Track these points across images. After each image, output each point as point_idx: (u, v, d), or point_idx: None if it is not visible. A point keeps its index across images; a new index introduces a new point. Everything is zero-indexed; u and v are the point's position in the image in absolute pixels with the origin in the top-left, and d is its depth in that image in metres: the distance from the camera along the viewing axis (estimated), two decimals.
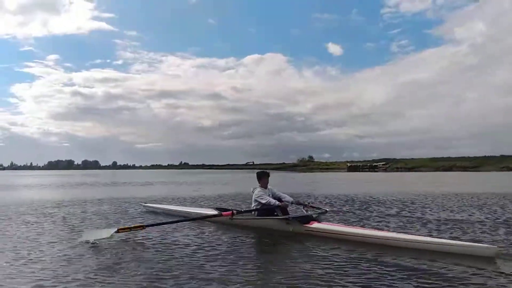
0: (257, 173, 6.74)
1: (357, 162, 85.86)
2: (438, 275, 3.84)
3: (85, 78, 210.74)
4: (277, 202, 6.23)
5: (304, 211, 6.46)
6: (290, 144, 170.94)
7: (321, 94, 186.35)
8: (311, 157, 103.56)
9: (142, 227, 5.25)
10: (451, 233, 6.12)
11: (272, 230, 6.02)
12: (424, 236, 5.54)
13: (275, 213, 6.16)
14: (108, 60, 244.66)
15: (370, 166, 76.13)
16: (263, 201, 6.20)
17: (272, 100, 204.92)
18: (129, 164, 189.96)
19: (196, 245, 5.20)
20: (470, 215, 8.36)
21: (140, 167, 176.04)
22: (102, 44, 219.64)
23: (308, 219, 5.95)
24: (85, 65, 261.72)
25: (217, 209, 7.21)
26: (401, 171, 67.96)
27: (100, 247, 4.96)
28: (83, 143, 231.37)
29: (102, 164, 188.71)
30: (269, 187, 6.61)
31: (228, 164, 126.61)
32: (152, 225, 5.69)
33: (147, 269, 4.05)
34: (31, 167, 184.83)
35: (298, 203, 6.65)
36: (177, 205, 9.57)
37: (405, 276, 3.78)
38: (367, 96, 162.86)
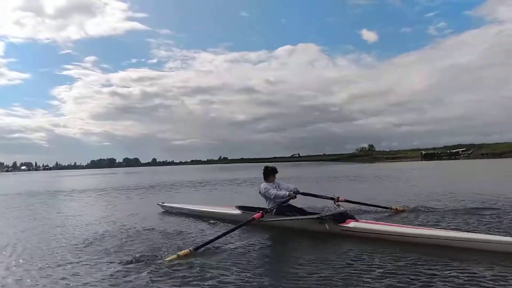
0: (264, 169, 6.24)
1: (431, 149, 74.14)
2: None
3: (122, 78, 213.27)
4: (286, 193, 5.74)
5: (335, 206, 5.87)
6: (326, 135, 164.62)
7: (356, 83, 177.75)
8: (371, 146, 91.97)
9: (189, 251, 4.42)
10: None
11: (303, 230, 5.45)
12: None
13: (297, 212, 5.76)
14: (143, 59, 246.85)
15: (449, 154, 64.42)
16: (271, 195, 5.81)
17: (306, 91, 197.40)
18: (168, 161, 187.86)
19: (222, 250, 4.74)
20: None
21: (180, 163, 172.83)
22: (137, 43, 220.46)
23: (344, 217, 5.30)
24: (122, 65, 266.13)
25: (238, 207, 6.62)
26: (488, 157, 56.28)
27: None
28: (122, 141, 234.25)
29: (143, 161, 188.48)
30: (276, 180, 6.23)
31: (275, 157, 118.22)
32: (199, 247, 4.63)
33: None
34: (75, 167, 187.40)
35: (305, 194, 6.23)
36: (194, 204, 8.36)
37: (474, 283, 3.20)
38: (404, 83, 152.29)
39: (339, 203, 6.00)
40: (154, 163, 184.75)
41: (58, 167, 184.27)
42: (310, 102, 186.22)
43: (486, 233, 4.70)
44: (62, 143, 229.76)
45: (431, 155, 65.92)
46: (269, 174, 6.19)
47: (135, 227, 6.64)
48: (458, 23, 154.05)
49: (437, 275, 3.47)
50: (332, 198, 6.16)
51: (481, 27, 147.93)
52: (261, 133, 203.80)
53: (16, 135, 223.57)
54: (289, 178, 21.74)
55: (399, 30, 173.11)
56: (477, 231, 4.96)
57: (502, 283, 3.23)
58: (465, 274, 3.45)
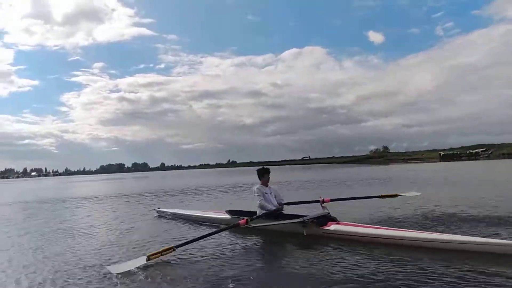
0: (258, 170, 6.51)
1: (448, 149, 71.46)
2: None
3: (130, 84, 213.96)
4: (272, 208, 5.96)
5: (321, 207, 5.99)
6: (334, 138, 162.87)
7: (363, 84, 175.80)
8: (386, 148, 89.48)
9: (172, 249, 4.59)
10: None
11: (286, 234, 5.60)
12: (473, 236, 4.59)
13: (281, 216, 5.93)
14: (151, 65, 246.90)
15: (469, 154, 61.71)
16: (257, 202, 6.05)
17: (312, 94, 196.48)
18: (176, 165, 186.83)
19: (214, 255, 4.78)
20: None
21: (189, 167, 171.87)
22: (144, 49, 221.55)
23: (326, 219, 5.43)
24: (129, 70, 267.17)
25: (228, 212, 6.90)
26: (510, 157, 53.58)
27: (127, 278, 4.06)
28: (131, 146, 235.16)
29: (151, 166, 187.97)
30: (270, 185, 6.37)
31: (285, 160, 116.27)
32: (181, 245, 4.88)
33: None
34: (84, 172, 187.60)
35: (291, 203, 6.60)
36: (188, 209, 8.73)
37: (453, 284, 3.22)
38: (412, 84, 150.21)
39: (325, 204, 6.05)
40: (162, 167, 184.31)
41: (67, 172, 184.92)
42: (317, 104, 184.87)
43: (469, 235, 4.65)
44: (71, 148, 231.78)
45: (450, 155, 63.41)
46: (263, 174, 6.34)
47: (128, 230, 7.09)
48: (465, 22, 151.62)
49: (417, 277, 3.44)
50: (317, 201, 6.24)
51: (489, 27, 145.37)
52: (269, 136, 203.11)
53: (26, 141, 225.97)
54: (308, 182, 19.77)
55: (406, 31, 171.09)
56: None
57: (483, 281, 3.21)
58: (448, 276, 3.41)
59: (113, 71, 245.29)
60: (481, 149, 63.28)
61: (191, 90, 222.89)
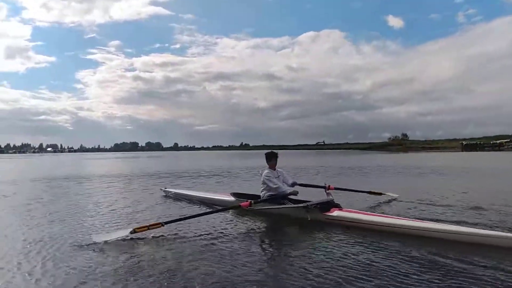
0: (266, 153, 6.49)
1: (469, 139, 69.36)
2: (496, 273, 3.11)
3: (145, 63, 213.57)
4: (288, 190, 5.96)
5: (325, 193, 5.93)
6: (348, 124, 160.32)
7: (380, 70, 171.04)
8: (405, 135, 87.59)
9: (161, 224, 4.69)
10: None
11: (289, 217, 5.60)
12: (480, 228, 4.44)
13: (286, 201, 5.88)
14: (166, 44, 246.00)
15: (493, 145, 59.66)
16: (273, 186, 5.94)
17: (328, 78, 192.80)
18: (189, 146, 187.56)
19: (209, 235, 4.76)
20: None
21: (202, 148, 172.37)
22: (160, 28, 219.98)
23: (329, 205, 5.46)
24: (145, 50, 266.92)
25: (233, 194, 6.92)
26: None
27: (110, 248, 4.22)
28: (145, 125, 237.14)
29: (165, 146, 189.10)
30: (278, 169, 6.38)
31: (299, 145, 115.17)
32: (171, 221, 4.88)
33: (164, 264, 3.59)
34: (98, 149, 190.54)
35: (302, 185, 6.63)
36: (195, 190, 8.97)
37: (451, 273, 3.18)
38: (430, 71, 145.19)
39: (330, 191, 6.09)
40: (176, 147, 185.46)
41: (82, 149, 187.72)
42: (333, 89, 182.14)
43: (469, 227, 4.51)
44: (86, 126, 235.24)
45: (472, 145, 61.31)
46: (271, 157, 6.33)
47: (130, 207, 7.22)
48: (488, 9, 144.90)
49: (417, 265, 3.40)
50: (323, 187, 6.29)
51: None
52: (283, 120, 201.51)
53: (42, 117, 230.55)
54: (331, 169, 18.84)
55: (427, 17, 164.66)
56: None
57: (481, 274, 3.14)
58: (442, 265, 3.39)
59: (128, 50, 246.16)
60: (505, 140, 61.02)
61: (205, 71, 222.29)
